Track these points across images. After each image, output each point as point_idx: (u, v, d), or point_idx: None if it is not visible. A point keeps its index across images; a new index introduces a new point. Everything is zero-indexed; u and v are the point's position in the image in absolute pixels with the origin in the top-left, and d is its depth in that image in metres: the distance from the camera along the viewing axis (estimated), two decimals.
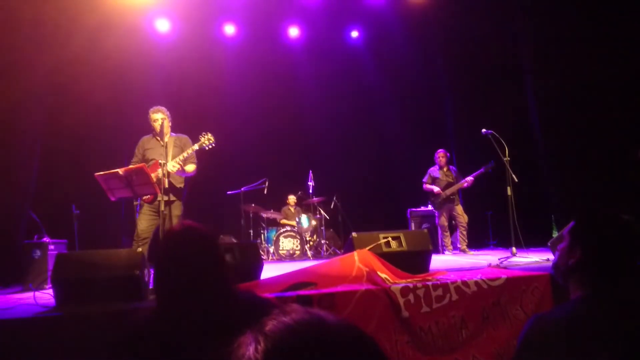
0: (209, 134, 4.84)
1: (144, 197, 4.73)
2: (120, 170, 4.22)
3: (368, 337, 0.67)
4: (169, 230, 1.71)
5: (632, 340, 1.35)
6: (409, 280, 3.53)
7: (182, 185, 5.03)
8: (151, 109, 5.04)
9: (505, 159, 5.70)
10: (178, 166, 4.68)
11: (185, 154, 4.75)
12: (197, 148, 4.79)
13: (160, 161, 4.48)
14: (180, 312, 1.54)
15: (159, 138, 4.94)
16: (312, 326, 0.64)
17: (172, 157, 4.75)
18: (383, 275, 3.54)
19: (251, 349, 0.63)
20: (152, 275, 1.90)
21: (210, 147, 4.85)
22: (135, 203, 4.83)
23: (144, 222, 4.80)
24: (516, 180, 5.64)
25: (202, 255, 1.62)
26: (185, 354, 1.38)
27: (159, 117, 4.94)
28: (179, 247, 1.63)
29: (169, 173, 4.55)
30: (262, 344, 0.63)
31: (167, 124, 4.97)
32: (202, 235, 1.67)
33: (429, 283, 3.42)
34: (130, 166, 4.43)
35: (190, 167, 4.95)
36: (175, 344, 1.44)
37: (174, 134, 5.07)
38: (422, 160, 8.29)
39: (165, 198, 4.47)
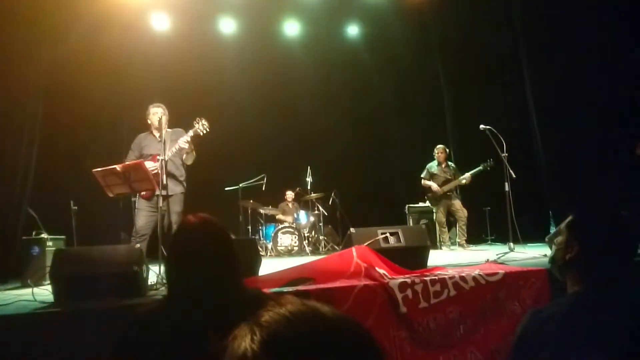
0: (203, 119, 4.81)
1: (142, 193, 4.73)
2: (118, 167, 4.22)
3: (363, 328, 0.68)
4: (184, 221, 1.73)
5: (629, 336, 1.35)
6: (407, 275, 3.54)
7: (181, 180, 5.03)
8: (151, 105, 5.07)
9: (503, 154, 5.71)
10: (187, 144, 4.70)
11: (183, 143, 4.72)
12: (192, 134, 4.78)
13: (158, 157, 4.48)
14: (191, 303, 1.56)
15: (155, 134, 4.94)
16: (308, 317, 0.65)
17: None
18: (381, 271, 3.54)
19: (247, 340, 0.63)
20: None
21: (204, 132, 4.83)
22: (133, 199, 4.83)
23: (142, 218, 4.80)
24: (514, 176, 5.65)
25: (217, 247, 1.65)
26: (191, 345, 1.40)
27: (159, 111, 4.96)
28: (194, 239, 1.65)
29: (167, 169, 4.55)
30: (258, 334, 0.63)
31: (165, 120, 4.97)
32: (217, 228, 1.70)
33: (427, 278, 3.42)
34: (128, 162, 4.44)
35: (189, 160, 4.96)
36: (182, 334, 1.46)
37: (169, 129, 5.08)
38: (420, 156, 8.30)
39: (164, 192, 4.47)
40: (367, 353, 0.66)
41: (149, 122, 5.07)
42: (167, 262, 1.72)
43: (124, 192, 4.40)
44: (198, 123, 4.80)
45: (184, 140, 4.70)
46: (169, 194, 4.68)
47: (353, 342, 0.65)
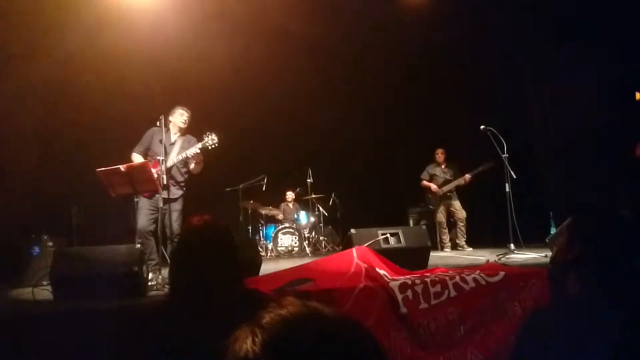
0: (213, 134, 4.81)
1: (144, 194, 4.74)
2: (122, 167, 4.24)
3: (364, 329, 0.68)
4: (188, 223, 1.74)
5: (630, 338, 1.35)
6: (408, 276, 3.53)
7: (183, 182, 5.05)
8: (179, 106, 5.11)
9: (503, 155, 5.70)
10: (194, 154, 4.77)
11: (191, 153, 4.76)
12: (201, 147, 4.79)
13: (159, 157, 4.49)
14: (193, 304, 1.56)
15: (172, 135, 4.99)
16: (309, 318, 0.65)
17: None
18: (381, 272, 3.54)
19: (248, 342, 0.63)
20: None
21: (213, 146, 4.85)
22: (135, 199, 4.83)
23: (144, 217, 4.81)
24: (514, 176, 5.63)
25: (220, 249, 1.66)
26: (193, 345, 1.40)
27: (187, 114, 5.04)
28: (199, 240, 1.66)
29: (169, 170, 4.57)
30: (259, 336, 0.63)
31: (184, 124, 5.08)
32: (221, 230, 1.71)
33: (427, 279, 3.42)
34: (132, 163, 4.45)
35: (197, 169, 4.97)
36: (184, 335, 1.46)
37: (184, 134, 5.13)
38: (420, 156, 8.30)
39: (165, 195, 4.49)
40: (368, 355, 0.66)
41: (171, 120, 5.04)
42: (171, 263, 1.73)
43: (127, 192, 4.41)
44: (208, 137, 4.80)
45: (191, 152, 4.73)
46: (171, 197, 4.70)
47: (354, 343, 0.65)
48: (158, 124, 4.75)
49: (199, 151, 4.76)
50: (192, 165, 4.93)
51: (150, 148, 4.97)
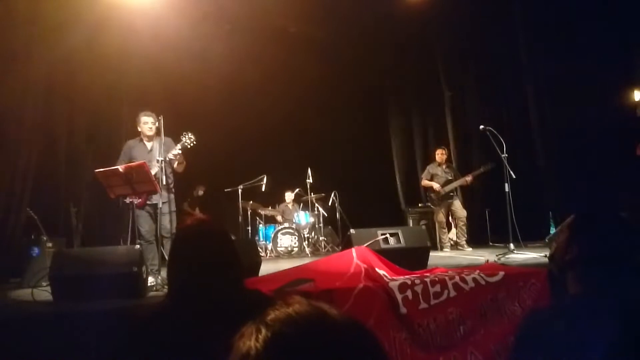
0: (189, 133, 4.89)
1: (136, 203, 4.72)
2: (121, 167, 4.27)
3: (367, 330, 0.68)
4: (182, 224, 1.74)
5: (629, 339, 1.35)
6: (407, 276, 3.53)
7: (171, 183, 5.07)
8: (142, 112, 5.05)
9: (503, 155, 5.70)
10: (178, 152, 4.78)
11: (173, 155, 4.79)
12: (180, 148, 4.82)
13: (158, 158, 4.50)
14: (192, 305, 1.56)
15: (146, 143, 4.98)
16: (314, 317, 0.65)
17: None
18: (381, 272, 3.54)
19: (252, 338, 0.63)
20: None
21: (192, 145, 4.90)
22: (128, 204, 4.79)
23: (146, 223, 4.81)
24: (514, 176, 5.64)
25: (215, 249, 1.64)
26: (194, 347, 1.40)
27: (150, 120, 4.98)
28: (193, 241, 1.65)
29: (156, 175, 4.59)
30: (263, 332, 0.63)
31: (155, 129, 5.00)
32: (215, 230, 1.69)
33: (427, 279, 3.42)
34: (131, 164, 4.46)
35: (180, 168, 4.98)
36: (184, 337, 1.45)
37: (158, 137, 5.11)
38: (420, 156, 8.30)
39: (160, 197, 4.50)
40: (370, 356, 0.66)
41: (139, 129, 5.03)
42: (168, 265, 1.72)
43: (126, 193, 4.42)
44: (185, 137, 4.87)
45: (172, 155, 4.77)
46: (163, 201, 4.70)
47: (357, 344, 0.65)
48: (158, 124, 4.76)
49: (180, 152, 4.80)
50: (175, 165, 4.94)
51: (131, 161, 4.96)
